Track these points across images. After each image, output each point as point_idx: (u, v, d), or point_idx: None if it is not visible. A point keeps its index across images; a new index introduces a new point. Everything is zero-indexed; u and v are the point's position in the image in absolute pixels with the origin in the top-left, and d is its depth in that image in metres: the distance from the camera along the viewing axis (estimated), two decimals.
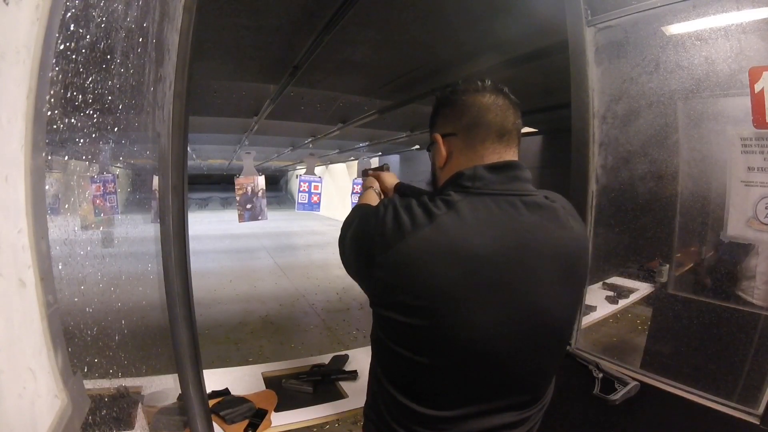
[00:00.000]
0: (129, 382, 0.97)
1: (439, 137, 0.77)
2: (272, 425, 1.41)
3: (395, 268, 0.64)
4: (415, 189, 1.14)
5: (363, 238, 0.70)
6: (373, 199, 1.09)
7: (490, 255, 0.63)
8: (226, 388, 1.60)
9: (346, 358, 1.88)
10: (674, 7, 1.10)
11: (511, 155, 0.73)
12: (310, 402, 1.54)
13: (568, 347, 1.32)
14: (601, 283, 2.10)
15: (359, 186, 4.61)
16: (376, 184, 1.19)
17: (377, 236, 0.66)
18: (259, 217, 3.30)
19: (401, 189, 1.16)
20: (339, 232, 0.82)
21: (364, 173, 1.34)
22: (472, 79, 0.75)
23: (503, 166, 0.71)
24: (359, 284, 0.74)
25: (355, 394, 1.59)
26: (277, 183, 22.45)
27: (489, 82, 0.74)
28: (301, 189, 3.83)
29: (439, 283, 0.62)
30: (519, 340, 0.66)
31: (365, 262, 0.68)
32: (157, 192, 0.92)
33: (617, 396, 1.10)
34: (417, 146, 7.57)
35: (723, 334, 1.44)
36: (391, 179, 1.21)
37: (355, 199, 4.81)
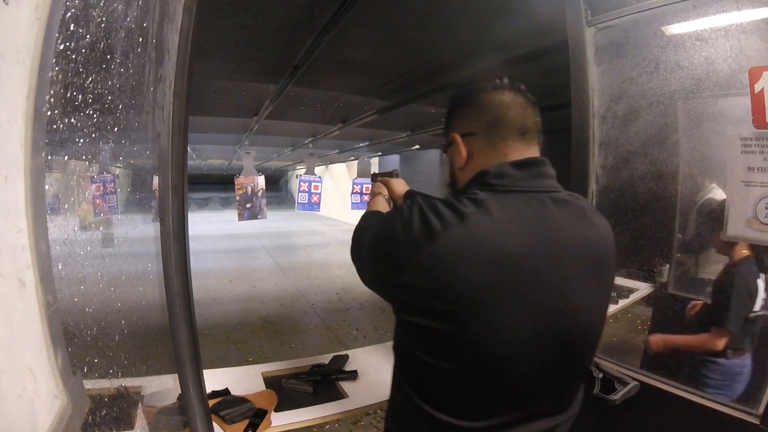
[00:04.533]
0: (129, 382, 0.97)
1: (458, 137, 0.74)
2: (272, 425, 1.41)
3: (426, 270, 0.60)
4: (428, 197, 1.13)
5: (387, 243, 0.67)
6: (383, 206, 1.05)
7: (523, 254, 0.60)
8: (226, 388, 1.60)
9: (346, 358, 1.88)
10: (674, 7, 1.10)
11: (533, 152, 0.71)
12: (310, 402, 1.54)
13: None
14: None
15: (359, 186, 4.60)
16: (385, 191, 1.15)
17: (404, 238, 0.63)
18: (259, 216, 3.30)
19: (412, 196, 1.12)
20: (350, 241, 0.78)
21: (373, 178, 1.30)
22: (489, 78, 0.72)
23: (528, 162, 0.68)
24: (380, 292, 0.70)
25: (355, 394, 1.59)
26: (277, 183, 22.46)
27: (506, 80, 0.72)
28: (301, 189, 3.83)
29: (471, 284, 0.59)
30: (551, 345, 0.63)
31: (391, 268, 0.64)
32: (157, 192, 0.92)
33: (617, 396, 1.10)
34: (417, 146, 7.57)
35: None
36: (400, 186, 1.17)
37: (356, 199, 4.80)
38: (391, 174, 1.26)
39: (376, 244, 0.70)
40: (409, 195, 1.13)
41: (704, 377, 1.37)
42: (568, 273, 0.63)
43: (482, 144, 0.71)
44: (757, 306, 1.30)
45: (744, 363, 1.33)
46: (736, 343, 1.33)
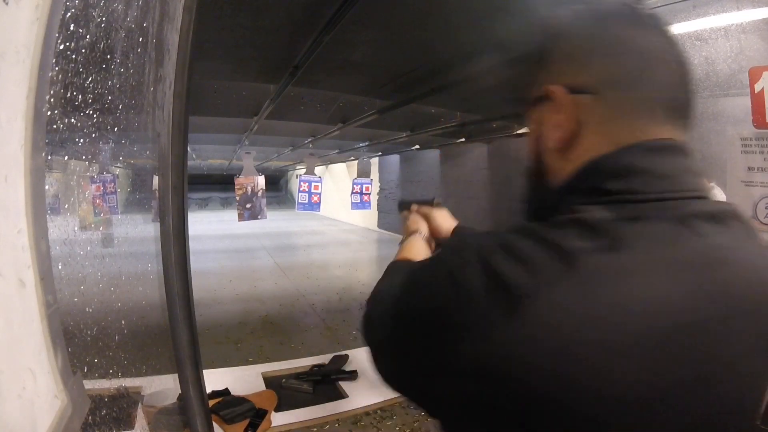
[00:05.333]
0: (129, 382, 0.97)
1: (561, 91, 0.41)
2: (272, 425, 1.41)
3: (498, 368, 0.32)
4: (491, 234, 0.80)
5: (425, 319, 0.37)
6: (421, 251, 0.76)
7: (692, 326, 0.33)
8: (226, 388, 1.60)
9: (346, 358, 1.88)
10: (674, 7, 1.10)
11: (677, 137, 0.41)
12: (310, 402, 1.54)
13: None
14: None
15: (359, 186, 4.59)
16: (424, 228, 0.83)
17: (456, 311, 0.34)
18: (259, 216, 3.30)
19: (464, 235, 0.81)
20: (372, 289, 0.54)
21: (403, 207, 0.94)
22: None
23: (671, 147, 0.39)
24: (412, 394, 0.42)
25: (355, 394, 1.59)
26: (277, 183, 22.46)
27: (647, 10, 0.42)
28: (301, 189, 3.84)
29: (598, 391, 0.31)
30: None
31: (435, 358, 0.35)
32: (157, 192, 0.92)
33: None
34: (417, 146, 7.58)
35: None
36: (446, 220, 0.85)
37: (355, 199, 4.78)
38: (431, 203, 0.90)
39: (408, 319, 0.40)
40: (460, 233, 0.83)
41: None
42: (748, 346, 0.35)
43: (602, 112, 0.40)
44: None
45: None
46: None
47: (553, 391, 0.31)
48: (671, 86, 0.40)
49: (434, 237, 0.84)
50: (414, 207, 0.90)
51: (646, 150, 0.38)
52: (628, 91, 0.40)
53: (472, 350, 0.33)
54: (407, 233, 0.83)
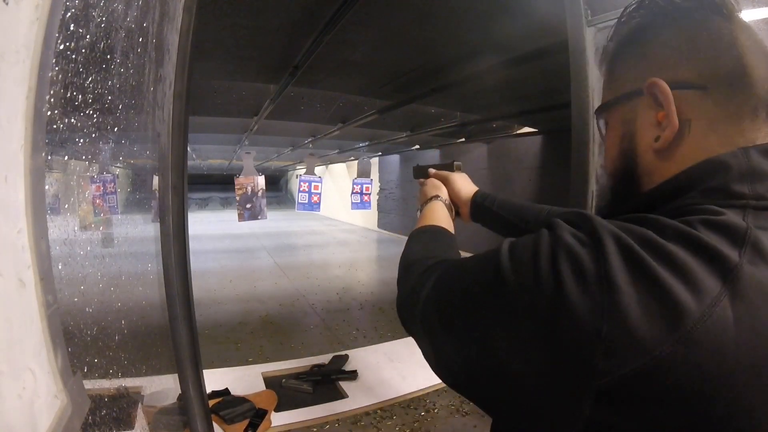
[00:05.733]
0: (129, 382, 0.97)
1: (664, 86, 0.38)
2: (272, 425, 1.41)
3: (651, 392, 0.28)
4: (516, 204, 0.77)
5: (532, 320, 0.31)
6: (445, 218, 0.70)
7: None
8: (226, 388, 1.60)
9: (346, 358, 1.88)
10: None
11: None
12: (310, 402, 1.54)
13: None
14: None
15: (359, 186, 4.59)
16: (444, 193, 0.79)
17: (591, 318, 0.29)
18: (259, 217, 3.30)
19: (486, 200, 0.78)
20: (399, 286, 0.49)
21: (420, 173, 0.91)
22: None
23: None
24: (493, 410, 0.38)
25: (355, 394, 1.59)
26: (277, 183, 22.47)
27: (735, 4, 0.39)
28: (301, 189, 3.84)
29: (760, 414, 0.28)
30: None
31: (563, 381, 0.30)
32: (157, 192, 0.92)
33: None
34: (417, 146, 7.58)
35: None
36: (466, 185, 0.81)
37: (356, 199, 4.77)
38: (450, 167, 0.86)
39: (499, 320, 0.33)
40: (479, 199, 0.79)
41: None
42: None
43: (712, 109, 0.37)
44: None
45: None
46: None
47: (717, 418, 0.28)
48: None
49: (453, 201, 0.80)
50: (431, 171, 0.86)
51: (764, 152, 0.35)
52: (737, 89, 0.37)
53: (612, 368, 0.28)
54: (425, 199, 0.77)
